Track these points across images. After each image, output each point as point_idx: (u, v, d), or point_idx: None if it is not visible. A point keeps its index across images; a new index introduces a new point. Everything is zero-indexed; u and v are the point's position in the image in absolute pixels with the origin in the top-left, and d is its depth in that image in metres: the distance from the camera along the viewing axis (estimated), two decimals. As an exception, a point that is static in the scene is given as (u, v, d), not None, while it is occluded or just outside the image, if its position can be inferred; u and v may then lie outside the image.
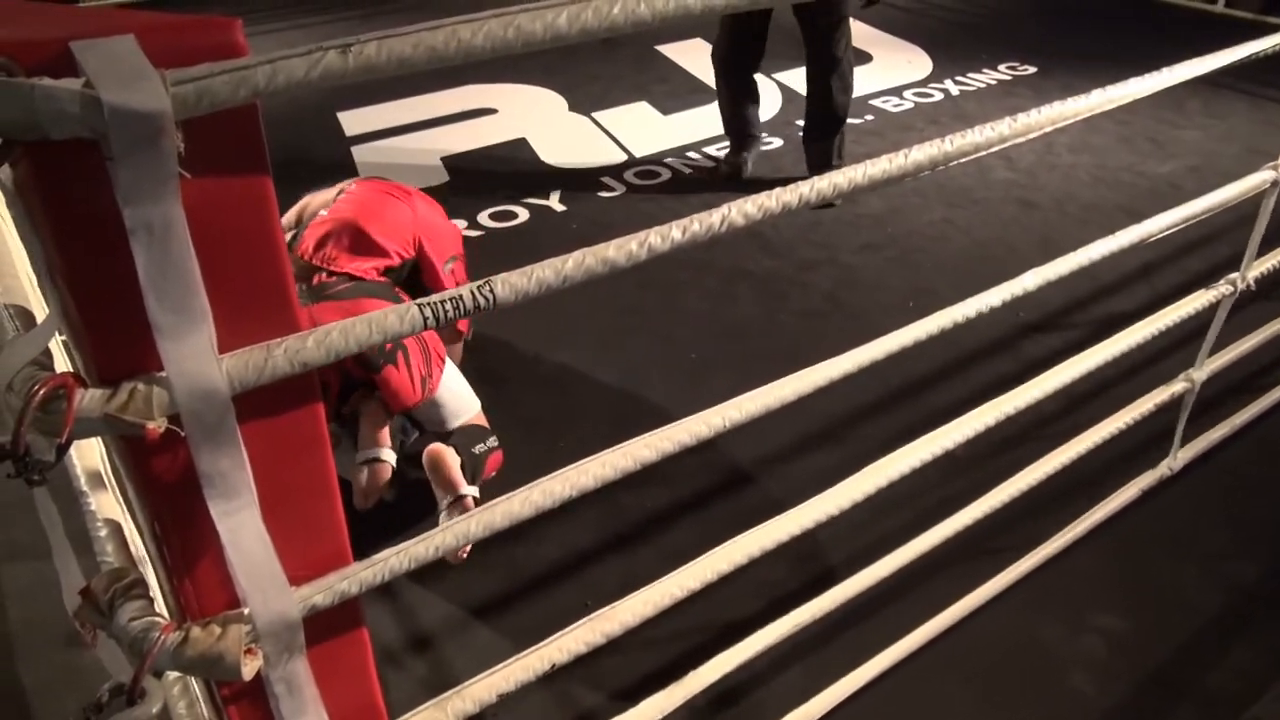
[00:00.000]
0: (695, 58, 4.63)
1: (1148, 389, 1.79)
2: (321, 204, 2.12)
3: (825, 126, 3.38)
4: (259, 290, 0.67)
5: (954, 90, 4.28)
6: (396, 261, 2.02)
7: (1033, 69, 4.49)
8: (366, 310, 1.90)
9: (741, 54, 3.38)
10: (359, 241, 1.97)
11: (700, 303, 2.72)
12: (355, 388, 1.85)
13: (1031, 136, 1.09)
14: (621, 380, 2.39)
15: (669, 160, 3.63)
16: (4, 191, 1.03)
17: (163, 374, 0.63)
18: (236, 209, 0.63)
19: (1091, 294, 2.70)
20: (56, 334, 0.68)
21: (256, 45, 0.56)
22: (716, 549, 1.13)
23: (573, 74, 4.41)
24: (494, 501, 0.89)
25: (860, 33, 4.99)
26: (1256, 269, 1.73)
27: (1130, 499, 1.90)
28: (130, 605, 0.71)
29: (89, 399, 0.62)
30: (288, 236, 2.05)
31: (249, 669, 0.73)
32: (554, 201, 3.32)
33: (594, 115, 4.03)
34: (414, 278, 2.10)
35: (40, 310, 0.98)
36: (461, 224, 3.15)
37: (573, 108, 4.12)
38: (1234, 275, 1.70)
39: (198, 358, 0.63)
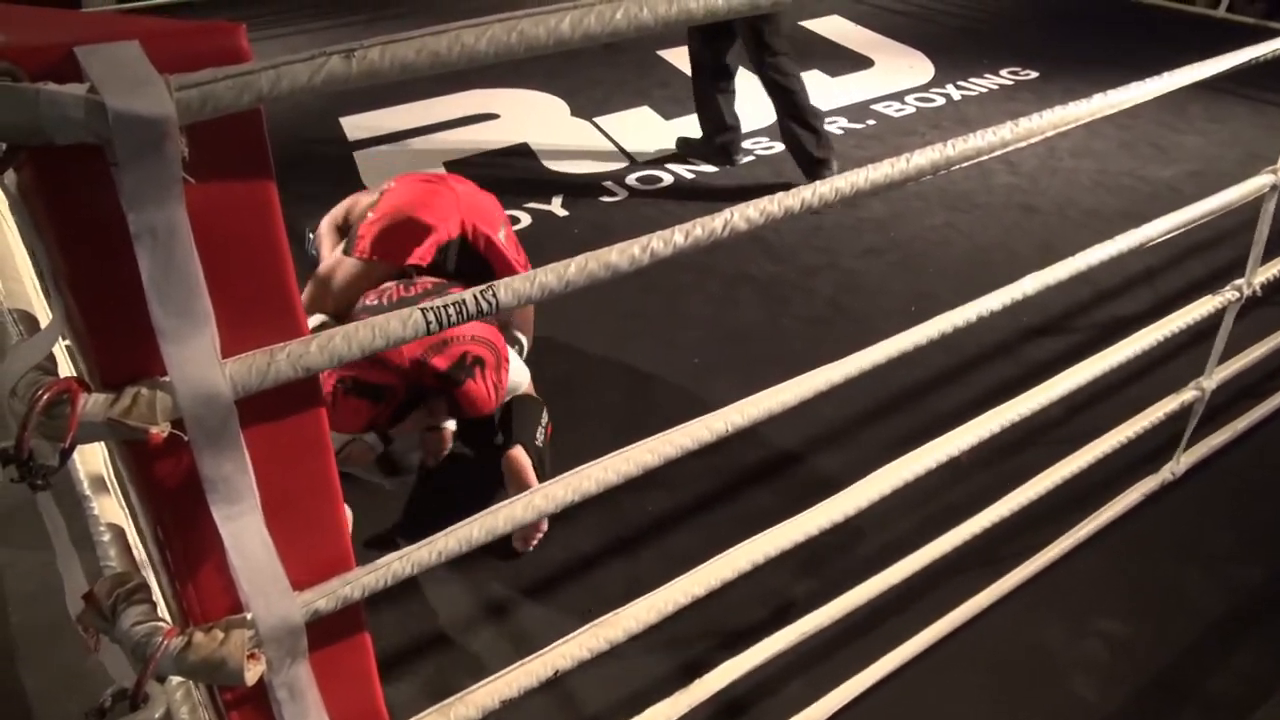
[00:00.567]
0: (697, 63, 4.64)
1: (1151, 392, 1.79)
2: (368, 204, 2.17)
3: (791, 121, 3.42)
4: (262, 295, 0.67)
5: (956, 95, 4.28)
6: (444, 238, 2.05)
7: (1034, 74, 4.50)
8: (469, 334, 1.86)
9: (714, 43, 3.44)
10: (413, 230, 2.02)
11: (703, 307, 2.72)
12: (422, 397, 1.89)
13: (1033, 141, 1.09)
14: (624, 384, 2.39)
15: (671, 165, 3.63)
16: (8, 196, 1.04)
17: (166, 378, 0.63)
18: (240, 214, 0.64)
19: (1094, 298, 2.70)
20: (60, 339, 0.68)
21: (260, 50, 0.56)
22: (720, 555, 1.13)
23: (575, 79, 4.42)
24: (496, 506, 0.89)
25: (862, 38, 5.00)
26: (1262, 274, 1.72)
27: (1133, 503, 1.90)
28: (133, 610, 0.71)
29: (92, 404, 0.62)
30: (341, 242, 2.12)
31: (251, 674, 0.73)
32: (556, 206, 3.33)
33: (596, 120, 4.03)
34: (467, 255, 2.12)
35: (44, 315, 0.98)
36: (464, 229, 3.15)
37: (575, 112, 4.12)
38: (1240, 281, 1.70)
39: (201, 362, 0.63)
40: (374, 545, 1.87)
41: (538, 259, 0.79)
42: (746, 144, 3.78)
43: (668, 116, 4.07)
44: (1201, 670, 1.64)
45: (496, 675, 0.99)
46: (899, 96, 4.27)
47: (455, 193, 2.15)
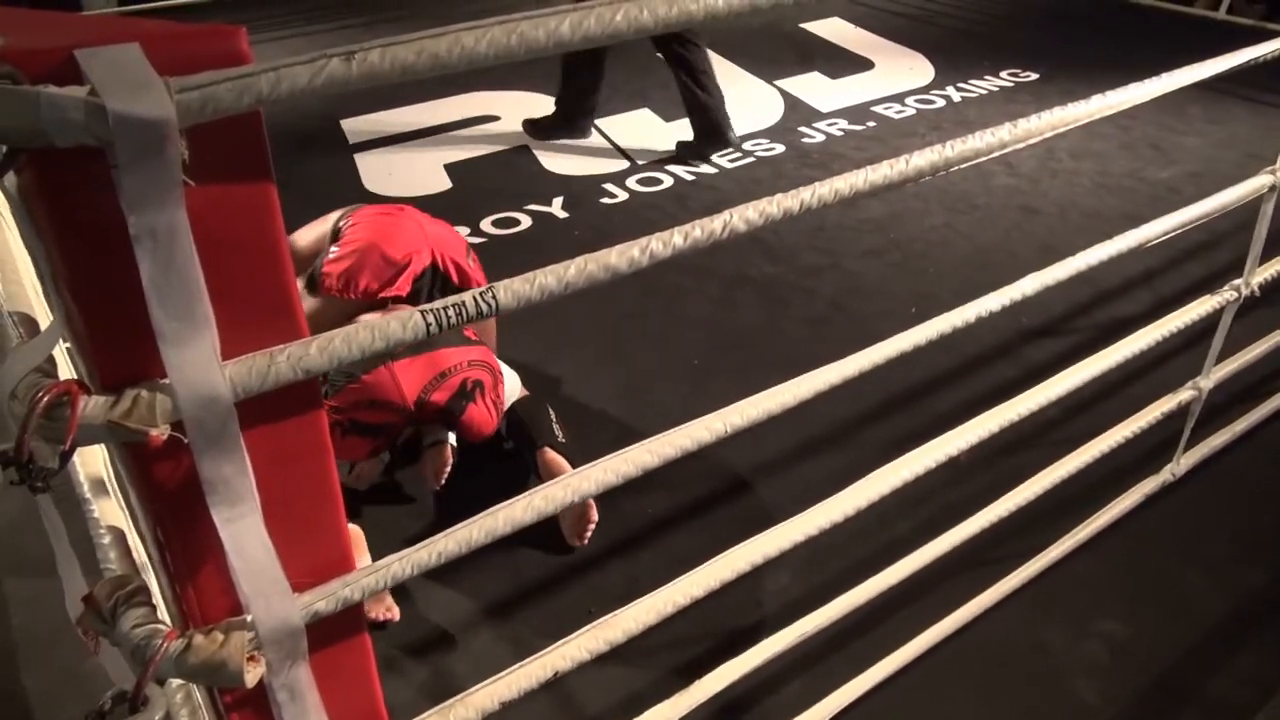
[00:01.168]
0: (697, 64, 4.65)
1: (1150, 392, 1.79)
2: (317, 237, 2.14)
3: (693, 117, 3.61)
4: (262, 297, 0.67)
5: (956, 96, 4.28)
6: (419, 269, 2.03)
7: (1034, 75, 4.50)
8: (446, 360, 1.92)
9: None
10: (388, 263, 1.99)
11: (702, 308, 2.72)
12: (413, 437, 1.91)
13: (1033, 142, 1.09)
14: (624, 386, 2.39)
15: (671, 167, 3.63)
16: (8, 199, 1.04)
17: (166, 381, 0.63)
18: (240, 216, 0.64)
19: (1094, 299, 2.70)
20: (60, 341, 0.69)
21: (260, 53, 0.56)
22: (720, 556, 1.13)
23: (575, 81, 4.42)
24: (497, 507, 0.89)
25: (862, 40, 5.01)
26: (1260, 275, 1.72)
27: (1134, 504, 1.90)
28: (133, 612, 0.71)
29: (92, 406, 0.62)
30: (301, 281, 2.08)
31: (251, 676, 0.73)
32: (556, 208, 3.33)
33: (596, 122, 4.03)
34: (440, 284, 2.10)
35: (44, 317, 0.98)
36: (464, 230, 3.15)
37: (575, 114, 4.12)
38: (1238, 281, 1.70)
39: (201, 364, 0.63)
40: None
41: (538, 260, 0.79)
42: (747, 145, 3.79)
43: (668, 118, 4.07)
44: (1202, 672, 1.64)
45: (496, 677, 0.99)
46: (899, 98, 4.27)
47: (418, 223, 2.13)
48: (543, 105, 4.21)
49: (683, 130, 3.92)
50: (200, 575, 0.74)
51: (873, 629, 1.65)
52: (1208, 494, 2.00)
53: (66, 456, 0.62)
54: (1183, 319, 1.62)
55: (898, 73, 4.58)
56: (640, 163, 3.68)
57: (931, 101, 4.23)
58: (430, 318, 0.73)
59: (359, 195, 3.44)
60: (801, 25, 5.19)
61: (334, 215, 2.18)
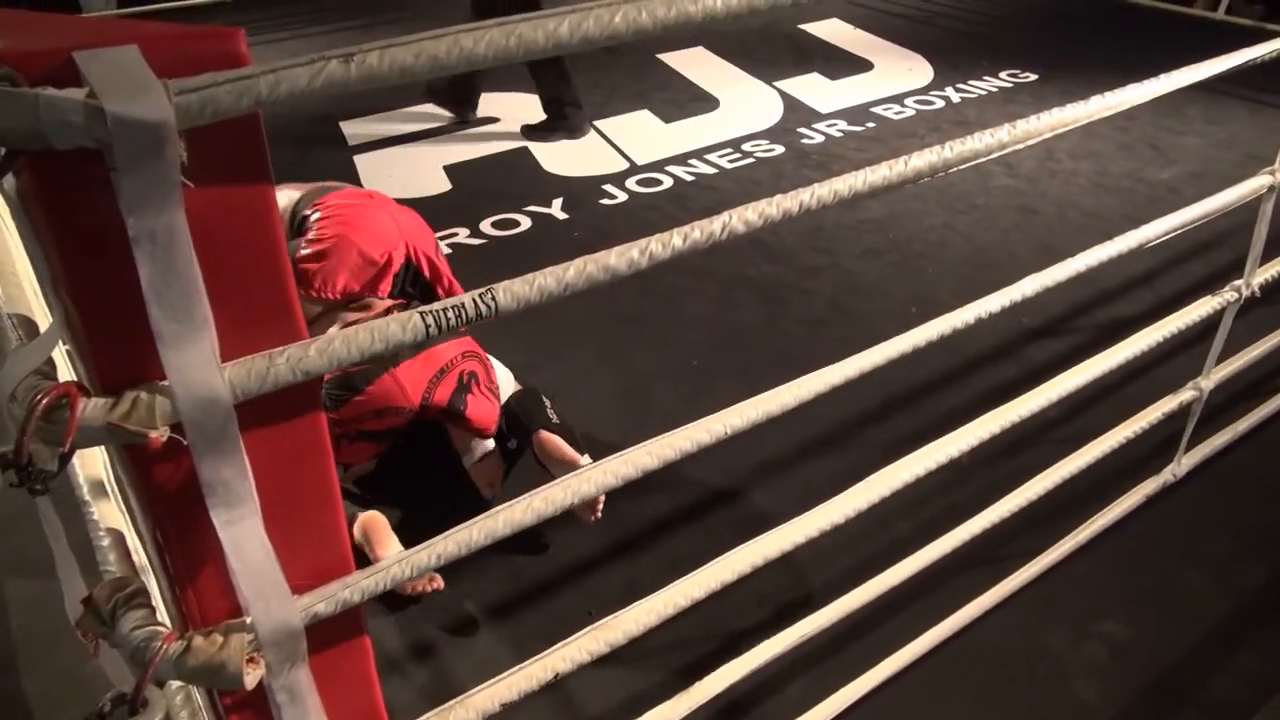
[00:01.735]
0: (696, 66, 4.65)
1: (1151, 393, 1.79)
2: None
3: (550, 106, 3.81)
4: (261, 299, 0.67)
5: (955, 97, 4.28)
6: (398, 268, 1.99)
7: (1033, 76, 4.50)
8: (441, 356, 1.92)
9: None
10: (365, 265, 1.92)
11: (702, 309, 2.72)
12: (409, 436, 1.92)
13: (1032, 143, 1.09)
14: (623, 387, 2.39)
15: (670, 168, 3.63)
16: (8, 201, 1.04)
17: (165, 383, 0.63)
18: (239, 218, 0.64)
19: (1094, 299, 2.70)
20: (60, 343, 0.68)
21: (259, 55, 0.56)
22: (720, 558, 1.13)
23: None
24: (496, 509, 0.89)
25: (861, 41, 5.01)
26: (1261, 275, 1.72)
27: (1135, 505, 1.90)
28: (132, 614, 0.71)
29: (92, 408, 0.62)
30: None
31: (251, 678, 0.73)
32: (556, 209, 3.33)
33: (596, 123, 4.04)
34: (412, 275, 2.06)
35: (44, 319, 0.98)
36: (464, 232, 3.16)
37: (574, 116, 4.13)
38: (1239, 282, 1.70)
39: (200, 366, 0.63)
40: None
41: (537, 262, 0.79)
42: (747, 146, 3.79)
43: (667, 120, 4.08)
44: (1203, 672, 1.64)
45: (496, 678, 0.99)
46: (898, 99, 4.28)
47: (389, 213, 2.06)
48: (541, 107, 4.21)
49: (683, 132, 3.93)
50: (200, 577, 0.73)
51: (874, 630, 1.65)
52: (1209, 494, 2.00)
53: (66, 459, 0.62)
54: (1183, 320, 1.62)
55: (897, 74, 4.58)
56: (639, 164, 3.68)
57: (931, 102, 4.23)
58: (430, 320, 0.73)
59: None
60: (800, 26, 5.19)
61: (288, 193, 2.06)
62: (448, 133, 3.98)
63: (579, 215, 3.29)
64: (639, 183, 3.52)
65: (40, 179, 0.57)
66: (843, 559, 1.81)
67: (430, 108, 4.15)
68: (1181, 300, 1.69)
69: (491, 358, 2.07)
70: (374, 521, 1.80)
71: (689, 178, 3.56)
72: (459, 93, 3.98)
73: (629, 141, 3.86)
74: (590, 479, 0.92)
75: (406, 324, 0.72)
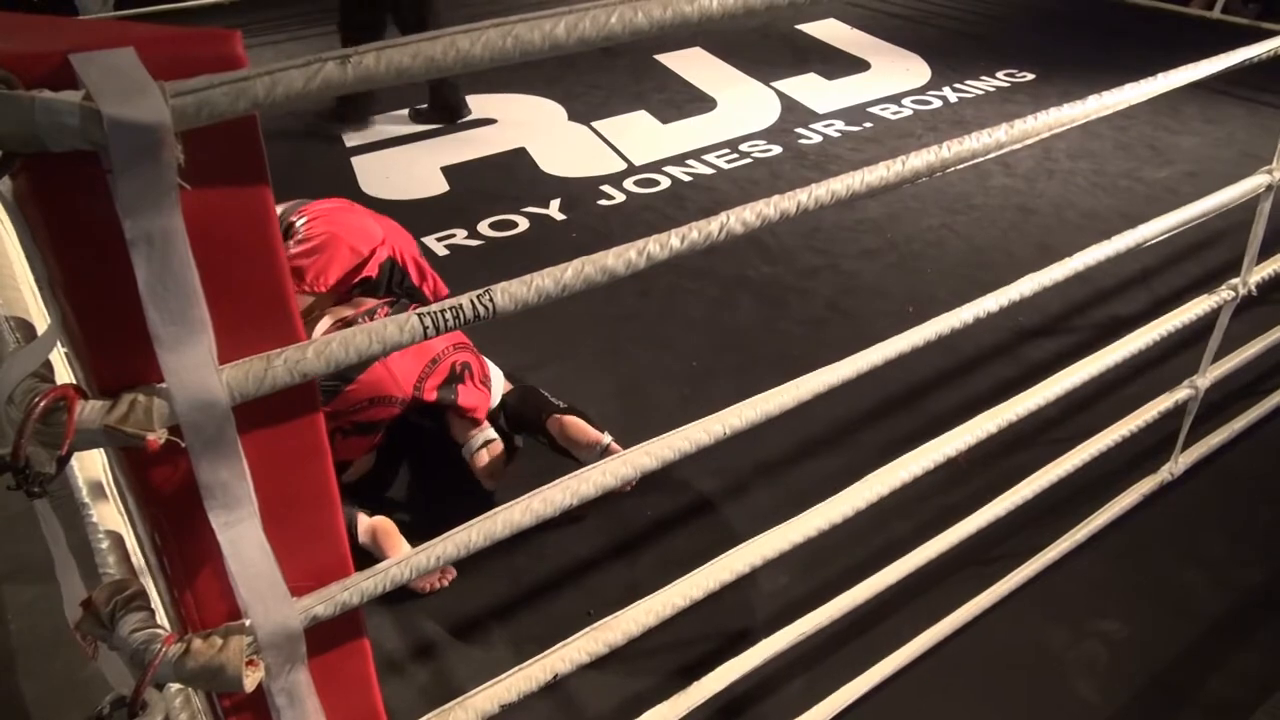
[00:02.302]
0: (693, 66, 4.65)
1: (1148, 392, 1.79)
2: None
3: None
4: (259, 301, 0.67)
5: (952, 97, 4.28)
6: (383, 259, 2.06)
7: (1031, 75, 4.50)
8: (432, 347, 1.95)
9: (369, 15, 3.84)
10: (354, 257, 2.01)
11: (700, 310, 2.72)
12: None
13: (1029, 143, 1.09)
14: (622, 388, 2.39)
15: (668, 169, 3.63)
16: (4, 204, 1.04)
17: (163, 385, 0.63)
18: (236, 220, 0.64)
19: (1091, 299, 2.71)
20: (58, 346, 0.68)
21: (255, 57, 0.56)
22: (719, 557, 1.13)
23: (572, 83, 4.43)
24: (494, 510, 0.89)
25: (858, 41, 5.01)
26: (1257, 274, 1.73)
27: (1132, 504, 1.90)
28: (131, 617, 0.71)
29: (89, 411, 0.62)
30: None
31: (250, 680, 0.73)
32: (554, 210, 3.33)
33: (593, 124, 4.04)
34: (399, 277, 2.12)
35: (41, 322, 0.98)
36: (461, 233, 3.16)
37: (572, 117, 4.13)
38: (1235, 280, 1.70)
39: (197, 369, 0.63)
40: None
41: (535, 263, 0.79)
42: (744, 146, 3.79)
43: (665, 120, 4.08)
44: (1201, 670, 1.64)
45: (496, 679, 0.99)
46: (896, 99, 4.28)
47: (372, 217, 2.15)
48: (540, 108, 4.22)
49: (680, 133, 3.93)
50: (198, 579, 0.73)
51: (872, 629, 1.65)
52: (1206, 492, 2.00)
53: (63, 461, 0.62)
54: (1180, 318, 1.62)
55: (894, 74, 4.58)
56: (637, 164, 3.68)
57: (928, 102, 4.24)
58: (428, 320, 0.73)
59: (356, 198, 3.43)
60: (797, 27, 5.19)
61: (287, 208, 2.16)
62: (445, 134, 3.98)
63: (577, 216, 3.29)
64: (637, 183, 3.52)
65: (37, 181, 0.57)
66: (841, 559, 1.81)
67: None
68: (1178, 299, 1.69)
69: (484, 357, 2.09)
70: (383, 526, 1.82)
71: (686, 178, 3.56)
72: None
73: (627, 142, 3.86)
74: (589, 479, 0.92)
75: (404, 325, 0.72)
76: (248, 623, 0.73)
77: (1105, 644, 1.68)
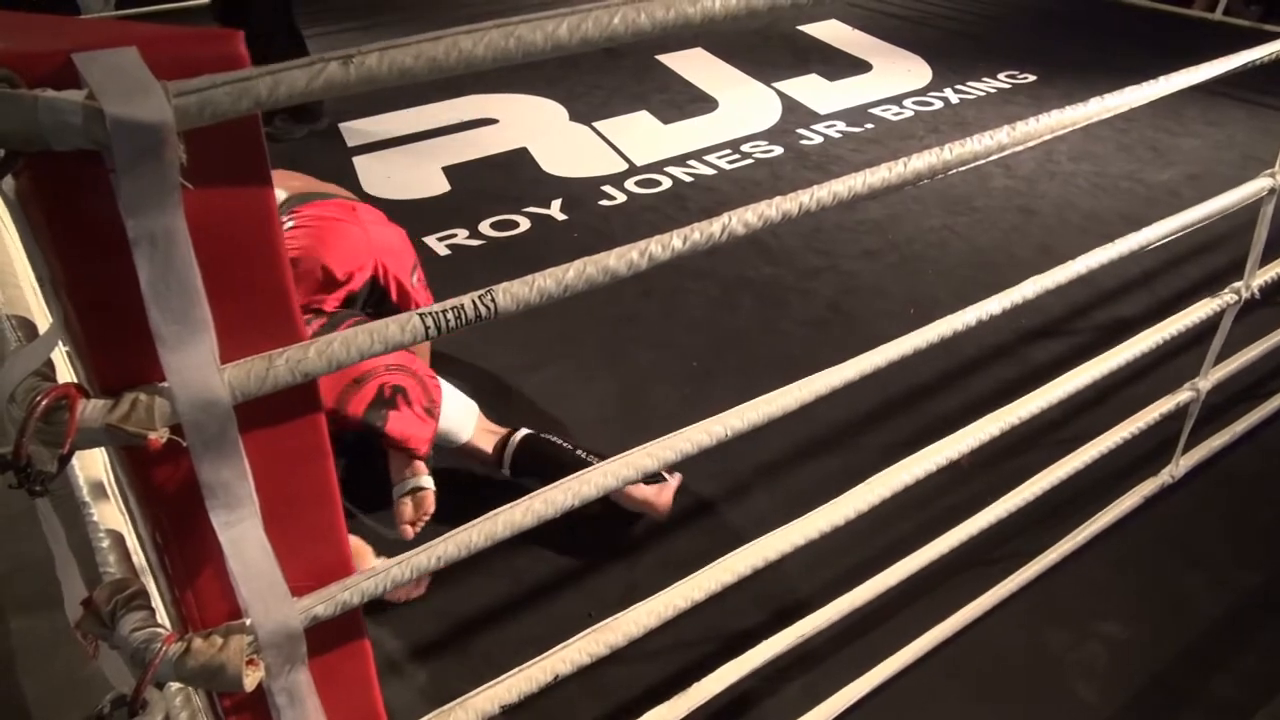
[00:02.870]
0: (695, 67, 4.65)
1: (1149, 394, 1.79)
2: None
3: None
4: (261, 300, 0.67)
5: (954, 99, 4.28)
6: (358, 287, 1.92)
7: (1032, 77, 4.50)
8: (358, 366, 1.81)
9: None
10: (325, 277, 1.86)
11: (701, 311, 2.72)
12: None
13: (1031, 144, 1.09)
14: (622, 389, 2.39)
15: (670, 169, 3.63)
16: (6, 203, 1.04)
17: (164, 384, 0.63)
18: (238, 219, 0.64)
19: (1092, 301, 2.71)
20: (59, 344, 0.68)
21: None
22: (720, 559, 1.13)
23: (573, 84, 4.43)
24: (495, 511, 0.89)
25: (860, 42, 5.01)
26: (1260, 277, 1.73)
27: (1133, 506, 1.90)
28: (132, 616, 0.71)
29: (91, 409, 0.62)
30: None
31: (251, 680, 0.73)
32: (555, 210, 3.33)
33: (595, 125, 4.04)
34: (377, 296, 2.00)
35: (43, 321, 0.98)
36: (463, 233, 3.16)
37: (573, 117, 4.13)
38: (1238, 284, 1.70)
39: (199, 368, 0.63)
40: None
41: (537, 263, 0.79)
42: (745, 147, 3.79)
43: (667, 121, 4.08)
44: (1202, 672, 1.64)
45: (496, 680, 0.99)
46: (897, 100, 4.28)
47: (365, 229, 1.98)
48: (541, 108, 4.22)
49: (682, 133, 3.94)
50: (199, 579, 0.73)
51: (873, 631, 1.65)
52: (1207, 495, 2.00)
53: (65, 460, 0.62)
54: (1183, 322, 1.62)
55: (896, 75, 4.58)
56: (639, 165, 3.68)
57: (930, 103, 4.23)
58: (429, 321, 0.73)
59: (357, 197, 3.44)
60: (799, 27, 5.19)
61: (278, 192, 2.00)
62: (446, 134, 3.98)
63: (578, 216, 3.29)
64: (638, 184, 3.52)
65: (39, 180, 0.57)
66: (842, 561, 1.81)
67: (428, 109, 4.15)
68: (1180, 302, 1.69)
69: (451, 385, 1.93)
70: (355, 547, 1.70)
71: (688, 179, 3.56)
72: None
73: (628, 142, 3.86)
74: (590, 480, 0.92)
75: (405, 325, 0.72)
76: (248, 622, 0.73)
77: (1106, 646, 1.68)
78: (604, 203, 3.39)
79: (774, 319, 2.68)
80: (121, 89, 0.53)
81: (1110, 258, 1.38)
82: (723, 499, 2.02)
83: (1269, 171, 1.59)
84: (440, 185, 3.54)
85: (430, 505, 1.78)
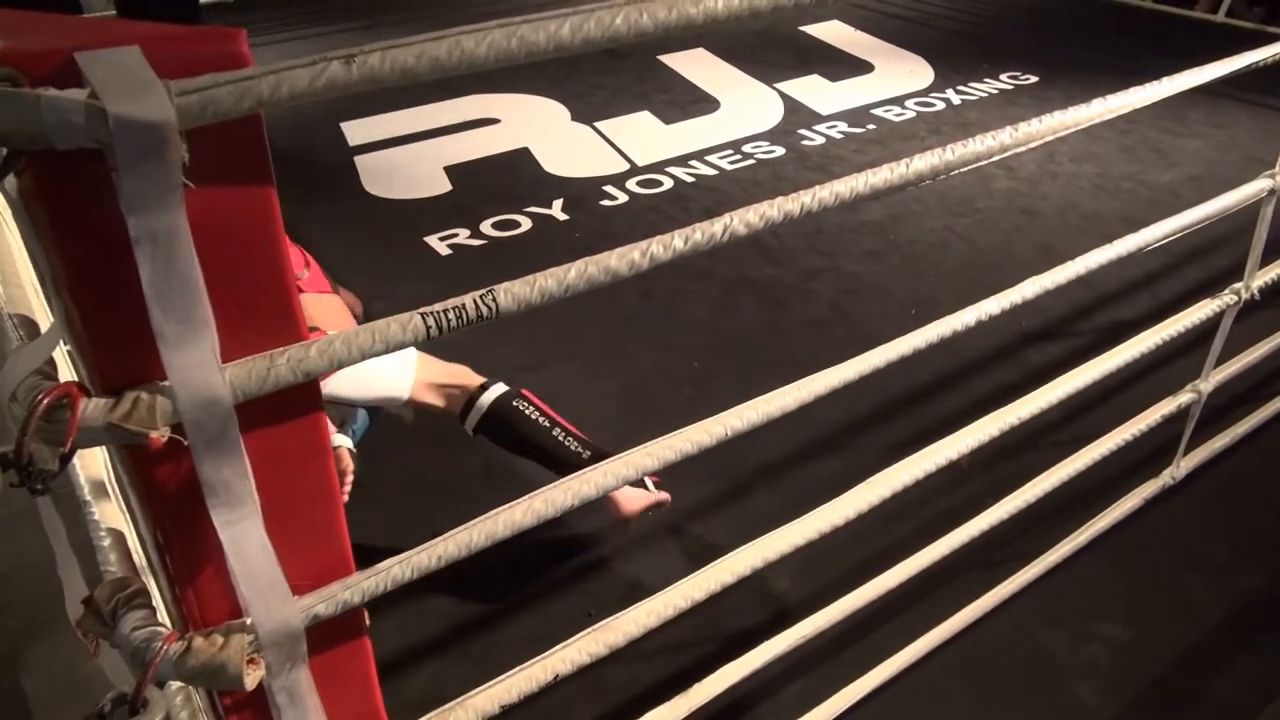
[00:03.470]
0: (697, 67, 4.65)
1: (1150, 395, 1.79)
2: None
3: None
4: (262, 300, 0.67)
5: (956, 99, 4.28)
6: None
7: (1034, 78, 4.50)
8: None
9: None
10: None
11: (702, 311, 2.72)
12: None
13: (1033, 145, 1.09)
14: (623, 389, 2.39)
15: (671, 169, 3.64)
16: (9, 201, 1.04)
17: (166, 383, 0.63)
18: (240, 219, 0.64)
19: (1093, 302, 2.70)
20: (61, 343, 0.68)
21: (259, 56, 0.56)
22: (720, 559, 1.12)
23: (575, 84, 4.43)
24: (496, 511, 0.89)
25: (862, 43, 5.01)
26: (1260, 278, 1.72)
27: (1134, 508, 1.90)
28: (133, 615, 0.71)
29: (92, 408, 0.62)
30: None
31: (251, 679, 0.73)
32: (556, 210, 3.33)
33: (596, 125, 4.04)
34: None
35: (45, 319, 0.98)
36: (464, 232, 3.16)
37: (575, 117, 4.13)
38: (1238, 285, 1.70)
39: (200, 367, 0.63)
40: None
41: (538, 263, 0.79)
42: (747, 148, 3.79)
43: (668, 121, 4.08)
44: (1203, 674, 1.64)
45: (496, 680, 0.99)
46: (899, 101, 4.28)
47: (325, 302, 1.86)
48: (543, 108, 4.22)
49: (684, 134, 3.94)
50: (200, 578, 0.73)
51: (873, 632, 1.65)
52: (1208, 497, 2.00)
53: (66, 459, 0.62)
54: (1183, 323, 1.62)
55: (897, 75, 4.58)
56: (640, 165, 3.68)
57: (931, 104, 4.23)
58: (431, 320, 0.73)
59: (359, 197, 3.45)
60: (801, 28, 5.19)
61: None
62: (448, 134, 3.98)
63: (579, 216, 3.29)
64: (639, 184, 3.52)
65: (42, 179, 0.57)
66: (842, 561, 1.80)
67: (430, 108, 4.15)
68: (1181, 303, 1.69)
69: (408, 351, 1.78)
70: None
71: (689, 179, 3.56)
72: None
73: (629, 143, 3.86)
74: (590, 480, 0.92)
75: (407, 325, 0.72)
76: (249, 621, 0.73)
77: (1106, 648, 1.68)
78: (605, 203, 3.39)
79: (775, 319, 2.68)
80: (124, 88, 0.53)
81: (1110, 258, 1.38)
82: (723, 499, 2.02)
83: (1269, 173, 1.59)
84: (442, 185, 3.54)
85: (346, 463, 1.72)
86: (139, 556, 0.97)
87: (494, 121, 4.09)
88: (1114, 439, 1.67)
